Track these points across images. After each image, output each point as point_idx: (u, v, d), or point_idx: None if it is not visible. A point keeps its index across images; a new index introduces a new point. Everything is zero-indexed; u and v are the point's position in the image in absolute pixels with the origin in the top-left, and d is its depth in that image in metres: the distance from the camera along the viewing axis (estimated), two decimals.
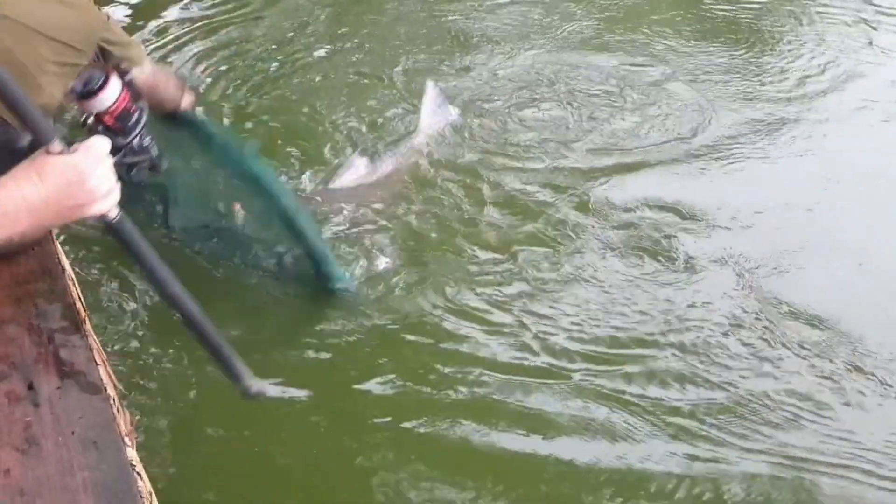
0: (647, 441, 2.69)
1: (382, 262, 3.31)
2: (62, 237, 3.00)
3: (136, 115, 1.53)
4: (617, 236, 3.54)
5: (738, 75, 4.75)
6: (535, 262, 3.39)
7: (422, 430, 2.70)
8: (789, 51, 5.01)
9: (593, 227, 3.59)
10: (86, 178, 1.28)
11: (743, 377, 2.93)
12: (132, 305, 2.98)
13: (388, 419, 2.73)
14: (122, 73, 1.52)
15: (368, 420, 2.72)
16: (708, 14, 5.45)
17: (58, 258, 2.41)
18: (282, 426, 2.71)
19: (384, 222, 3.52)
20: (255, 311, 3.06)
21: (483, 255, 3.41)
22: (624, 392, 2.85)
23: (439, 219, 3.59)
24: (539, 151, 4.07)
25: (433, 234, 3.52)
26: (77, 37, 2.29)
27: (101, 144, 1.32)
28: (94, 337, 2.23)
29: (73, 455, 1.83)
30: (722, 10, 5.50)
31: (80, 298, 2.36)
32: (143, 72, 2.45)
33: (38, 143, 1.28)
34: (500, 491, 2.53)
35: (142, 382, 2.73)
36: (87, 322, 2.27)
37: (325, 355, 2.94)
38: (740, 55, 4.97)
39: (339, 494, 2.55)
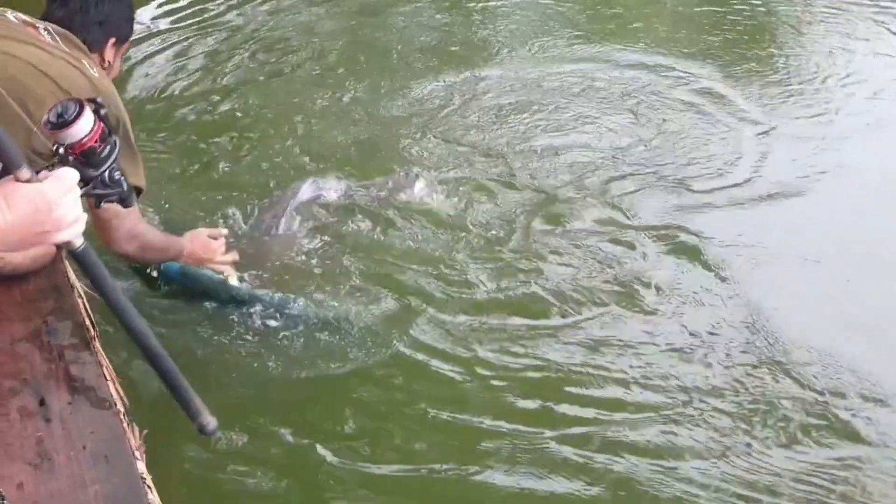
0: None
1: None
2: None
3: (107, 149, 1.54)
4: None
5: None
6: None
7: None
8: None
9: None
10: (54, 207, 1.29)
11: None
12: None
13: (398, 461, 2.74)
14: (97, 107, 1.53)
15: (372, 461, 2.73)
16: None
17: (67, 276, 2.46)
18: (288, 436, 2.76)
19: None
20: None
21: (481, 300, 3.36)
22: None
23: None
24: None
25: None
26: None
27: (70, 174, 1.34)
28: (103, 354, 2.27)
29: (84, 469, 1.86)
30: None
31: (89, 316, 2.40)
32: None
33: (6, 170, 1.28)
34: None
35: (149, 398, 2.75)
36: (97, 339, 2.31)
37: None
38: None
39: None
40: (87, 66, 2.42)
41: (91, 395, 2.05)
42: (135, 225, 2.58)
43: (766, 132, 4.40)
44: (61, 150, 1.40)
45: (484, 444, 2.76)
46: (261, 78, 4.91)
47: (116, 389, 2.13)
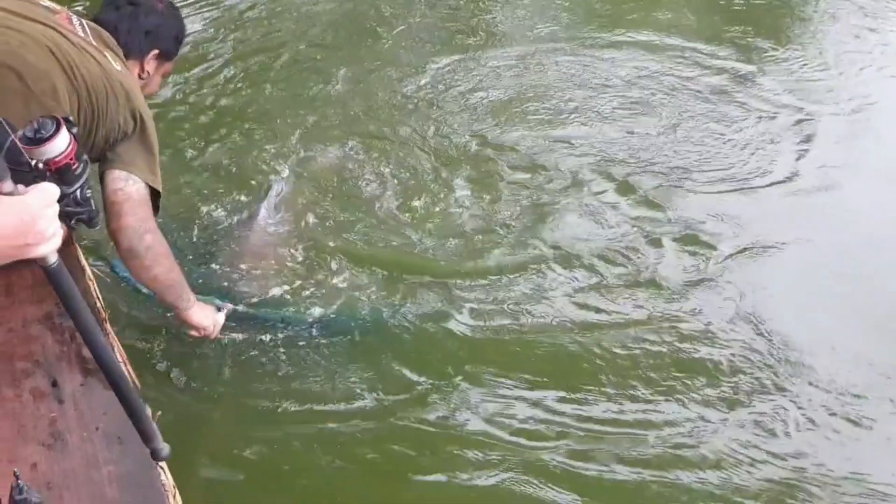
0: None
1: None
2: (84, 241, 3.06)
3: (80, 168, 1.55)
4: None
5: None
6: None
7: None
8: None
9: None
10: (36, 220, 1.29)
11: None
12: (149, 306, 3.03)
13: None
14: (70, 126, 1.54)
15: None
16: None
17: (78, 259, 2.46)
18: (299, 420, 2.77)
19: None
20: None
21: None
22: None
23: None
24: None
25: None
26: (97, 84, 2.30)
27: (52, 189, 1.34)
28: (114, 335, 2.28)
29: (97, 449, 1.88)
30: None
31: (99, 298, 2.41)
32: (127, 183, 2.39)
33: None
34: None
35: (159, 380, 2.77)
36: (108, 321, 2.32)
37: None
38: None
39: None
40: (111, 59, 2.41)
41: (103, 377, 2.05)
42: (147, 219, 2.45)
43: (799, 121, 4.37)
44: (40, 165, 1.40)
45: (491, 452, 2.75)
46: (251, 62, 4.78)
47: (128, 371, 2.13)
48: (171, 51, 2.73)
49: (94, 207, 1.59)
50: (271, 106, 4.38)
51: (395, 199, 3.74)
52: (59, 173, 1.48)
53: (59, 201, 1.33)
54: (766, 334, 3.18)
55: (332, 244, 3.46)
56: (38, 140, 1.45)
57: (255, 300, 3.13)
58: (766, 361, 3.08)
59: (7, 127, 1.38)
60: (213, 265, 3.25)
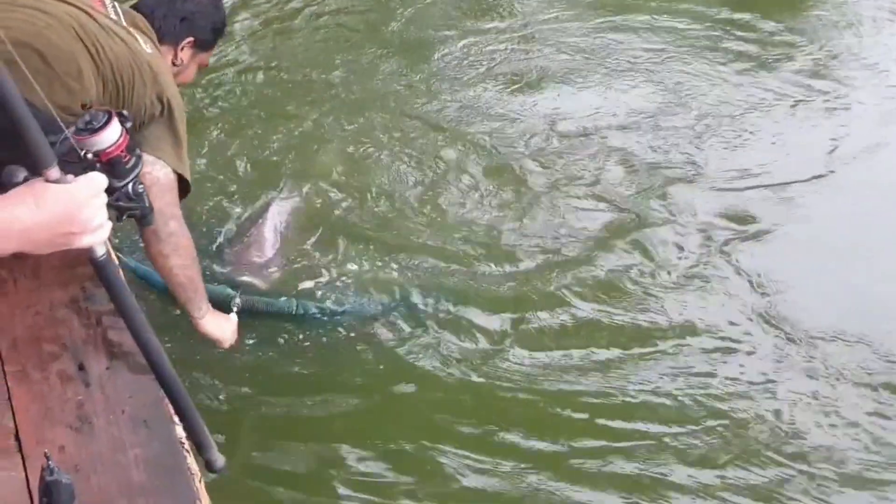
0: None
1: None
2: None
3: (132, 161, 1.55)
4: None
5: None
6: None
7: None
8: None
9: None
10: (82, 208, 1.29)
11: None
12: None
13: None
14: (124, 119, 1.54)
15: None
16: None
17: (105, 243, 2.46)
18: (330, 403, 2.80)
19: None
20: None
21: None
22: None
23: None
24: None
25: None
26: (123, 66, 2.28)
27: (99, 178, 1.33)
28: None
29: (124, 433, 1.88)
30: None
31: (126, 282, 2.41)
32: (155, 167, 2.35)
33: (35, 167, 1.27)
34: None
35: (186, 363, 2.78)
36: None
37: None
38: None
39: None
40: (142, 42, 2.41)
41: (129, 361, 2.06)
42: (172, 204, 2.43)
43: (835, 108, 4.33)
44: (89, 156, 1.39)
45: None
46: (262, 62, 4.74)
47: None
48: (207, 40, 2.71)
49: (147, 204, 1.59)
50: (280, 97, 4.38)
51: (417, 191, 3.73)
52: (109, 165, 1.49)
53: (109, 195, 1.32)
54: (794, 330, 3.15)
55: (345, 236, 3.47)
56: (90, 130, 1.45)
57: (265, 291, 3.13)
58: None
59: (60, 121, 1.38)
60: (222, 260, 3.26)
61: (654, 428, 2.80)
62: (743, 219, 3.66)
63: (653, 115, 4.24)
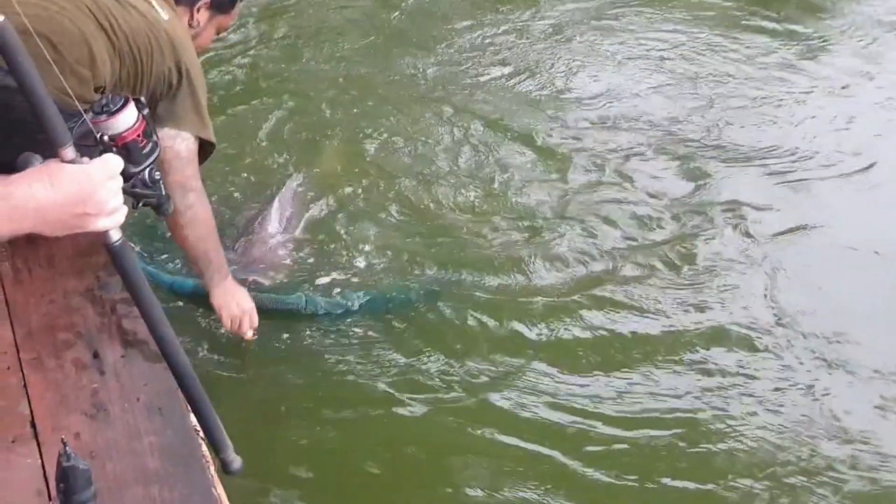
0: None
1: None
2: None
3: (149, 147, 1.54)
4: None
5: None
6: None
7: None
8: None
9: None
10: (97, 189, 1.28)
11: None
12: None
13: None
14: (141, 106, 1.53)
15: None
16: None
17: (119, 228, 2.46)
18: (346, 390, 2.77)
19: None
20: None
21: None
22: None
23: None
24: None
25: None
26: (139, 38, 2.26)
27: (115, 160, 1.33)
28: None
29: (139, 420, 1.89)
30: None
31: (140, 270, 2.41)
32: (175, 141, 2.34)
33: (51, 145, 1.27)
34: None
35: (199, 352, 2.79)
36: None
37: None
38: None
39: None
40: (157, 7, 2.38)
41: (144, 349, 2.07)
42: (193, 177, 2.42)
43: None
44: (105, 139, 1.39)
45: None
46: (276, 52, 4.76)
47: None
48: (223, 2, 2.67)
49: (164, 192, 1.58)
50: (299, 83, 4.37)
51: (430, 182, 3.71)
52: (125, 150, 1.48)
53: (126, 180, 1.31)
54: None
55: (352, 229, 3.43)
56: (106, 112, 1.45)
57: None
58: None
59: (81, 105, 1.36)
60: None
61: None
62: (780, 216, 3.61)
63: (676, 106, 4.25)
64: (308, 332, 2.97)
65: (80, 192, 1.27)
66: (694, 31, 4.87)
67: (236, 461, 1.69)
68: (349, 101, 4.27)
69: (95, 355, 2.04)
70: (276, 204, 3.43)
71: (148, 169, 1.52)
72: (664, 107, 4.25)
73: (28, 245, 2.29)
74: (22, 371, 2.01)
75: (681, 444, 2.67)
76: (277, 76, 4.50)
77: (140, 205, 1.54)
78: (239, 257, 3.19)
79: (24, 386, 1.96)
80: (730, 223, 3.53)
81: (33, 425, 1.87)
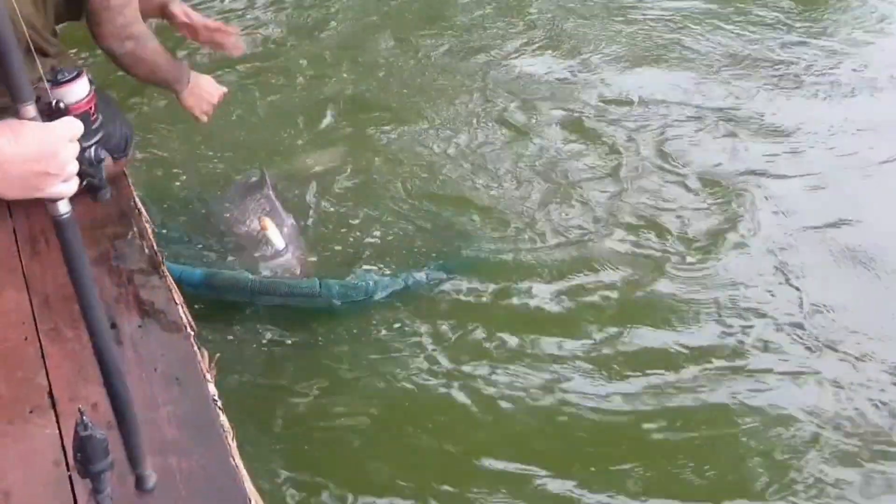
0: None
1: None
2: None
3: (97, 122, 1.53)
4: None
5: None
6: None
7: None
8: None
9: None
10: (59, 149, 1.26)
11: None
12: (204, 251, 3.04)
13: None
14: (91, 81, 1.54)
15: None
16: None
17: (134, 202, 2.46)
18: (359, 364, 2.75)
19: None
20: None
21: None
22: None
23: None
24: None
25: None
26: None
27: (77, 124, 1.30)
28: (171, 278, 2.28)
29: (156, 390, 1.88)
30: None
31: (154, 242, 2.41)
32: None
33: (12, 100, 1.25)
34: None
35: (215, 325, 2.78)
36: (163, 264, 2.32)
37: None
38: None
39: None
40: None
41: (161, 319, 2.07)
42: (131, 22, 2.48)
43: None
44: (62, 105, 1.37)
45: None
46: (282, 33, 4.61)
47: (185, 314, 2.14)
48: None
49: (104, 177, 1.56)
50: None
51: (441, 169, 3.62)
52: (80, 118, 1.47)
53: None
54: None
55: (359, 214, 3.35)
56: (59, 81, 1.45)
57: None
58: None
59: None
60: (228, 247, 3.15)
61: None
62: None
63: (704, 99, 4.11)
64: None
65: (41, 149, 1.24)
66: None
67: (152, 477, 1.65)
68: (353, 81, 4.19)
69: (113, 325, 2.03)
70: (277, 205, 3.25)
71: (94, 146, 1.51)
72: (694, 91, 4.13)
73: (44, 215, 2.28)
74: (40, 341, 2.01)
75: (685, 435, 2.62)
76: (281, 55, 4.42)
77: (82, 183, 1.53)
78: (241, 243, 3.10)
79: (42, 356, 1.97)
80: (758, 215, 3.41)
81: (51, 395, 1.88)
